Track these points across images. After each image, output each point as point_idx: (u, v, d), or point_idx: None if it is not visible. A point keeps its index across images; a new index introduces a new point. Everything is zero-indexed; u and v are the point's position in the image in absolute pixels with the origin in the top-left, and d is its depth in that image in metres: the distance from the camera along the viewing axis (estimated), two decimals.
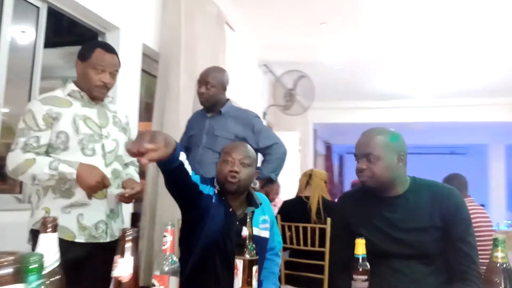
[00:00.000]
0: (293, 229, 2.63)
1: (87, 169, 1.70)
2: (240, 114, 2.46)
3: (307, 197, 2.71)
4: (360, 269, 1.30)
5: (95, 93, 1.85)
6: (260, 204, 1.86)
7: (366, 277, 1.29)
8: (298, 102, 5.71)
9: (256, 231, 1.78)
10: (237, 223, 1.79)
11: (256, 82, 5.73)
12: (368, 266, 1.31)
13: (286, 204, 2.86)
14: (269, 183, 2.37)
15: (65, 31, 3.07)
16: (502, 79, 6.33)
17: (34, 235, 1.72)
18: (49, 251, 0.77)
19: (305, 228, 2.61)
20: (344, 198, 1.87)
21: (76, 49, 1.95)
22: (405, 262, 1.61)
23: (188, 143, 2.57)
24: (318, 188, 2.70)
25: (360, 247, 1.33)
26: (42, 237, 0.77)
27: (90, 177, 1.68)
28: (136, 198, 1.88)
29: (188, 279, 1.75)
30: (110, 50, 1.87)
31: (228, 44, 4.34)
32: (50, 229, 0.77)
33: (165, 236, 1.16)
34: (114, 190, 1.82)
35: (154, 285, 1.11)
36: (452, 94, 7.01)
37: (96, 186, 1.69)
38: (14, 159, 1.69)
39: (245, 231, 1.41)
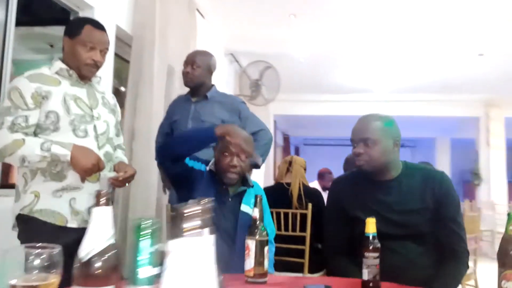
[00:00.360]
0: (274, 215, 2.66)
1: (82, 151, 1.63)
2: (226, 100, 2.44)
3: (288, 184, 2.74)
4: (371, 247, 1.35)
5: (84, 72, 1.77)
6: (252, 186, 1.92)
7: (377, 254, 1.34)
8: (263, 92, 5.74)
9: (247, 209, 1.84)
10: (230, 199, 1.82)
11: (222, 71, 5.68)
12: (379, 244, 1.36)
13: (267, 191, 2.87)
14: (254, 168, 2.37)
15: (34, 9, 2.90)
16: (450, 77, 6.71)
17: (22, 220, 1.63)
18: (104, 225, 0.73)
19: (286, 214, 2.64)
20: (338, 183, 1.92)
21: (32, 30, 1.85)
22: (400, 243, 1.68)
23: (170, 129, 2.51)
24: (299, 174, 2.74)
25: (371, 226, 1.38)
26: (96, 211, 0.73)
27: (86, 160, 1.61)
28: (129, 182, 1.82)
29: None
30: (100, 27, 1.79)
31: (198, 31, 4.28)
32: (104, 202, 0.73)
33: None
34: (107, 173, 1.75)
35: None
36: (406, 90, 7.33)
37: (91, 169, 1.62)
38: (0, 140, 1.58)
39: (255, 212, 1.41)
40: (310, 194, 2.69)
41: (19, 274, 0.76)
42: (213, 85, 2.49)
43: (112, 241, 0.72)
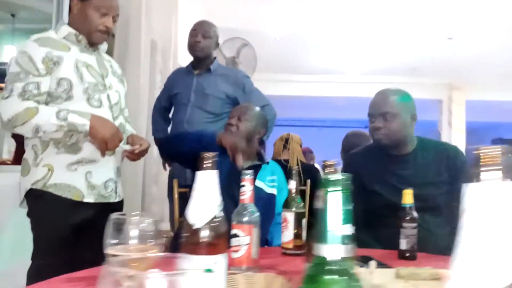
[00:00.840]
0: None
1: (101, 120, 1.54)
2: (230, 73, 2.38)
3: (286, 160, 2.74)
4: (409, 218, 1.37)
5: (95, 38, 1.67)
6: (267, 163, 1.91)
7: (415, 224, 1.36)
8: (240, 69, 5.66)
9: (262, 185, 1.84)
10: (237, 171, 1.80)
11: None
12: (416, 214, 1.38)
13: None
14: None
15: None
16: (418, 60, 6.89)
17: (34, 195, 1.52)
18: (212, 190, 0.69)
19: None
20: (354, 157, 1.93)
21: None
22: (418, 215, 1.73)
23: (168, 103, 2.43)
24: (296, 152, 2.74)
25: (408, 197, 1.40)
26: (201, 174, 0.69)
27: (105, 130, 1.52)
28: (143, 155, 1.74)
29: None
30: None
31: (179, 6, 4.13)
32: (209, 165, 0.69)
33: (243, 185, 1.11)
34: (122, 145, 1.67)
35: (238, 235, 1.06)
36: (376, 72, 7.46)
37: (111, 140, 1.54)
38: (10, 108, 1.46)
39: (292, 184, 1.40)
40: (308, 171, 2.70)
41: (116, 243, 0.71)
42: (215, 58, 2.42)
43: (221, 207, 0.68)
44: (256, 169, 1.86)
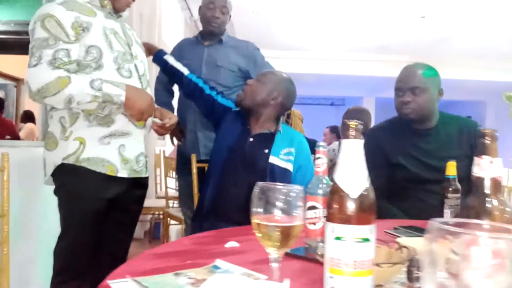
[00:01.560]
0: None
1: (136, 91, 1.46)
2: (241, 44, 2.31)
3: None
4: (452, 189, 1.41)
5: (119, 5, 1.57)
6: (279, 131, 1.82)
7: (458, 195, 1.41)
8: None
9: (275, 160, 1.76)
10: (250, 139, 1.77)
11: (175, 18, 5.36)
12: (459, 185, 1.43)
13: None
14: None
15: None
16: (390, 38, 7.05)
17: (65, 170, 1.43)
18: (360, 160, 0.67)
19: None
20: (377, 131, 1.96)
21: None
22: (440, 186, 1.79)
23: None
24: (298, 127, 2.74)
25: (451, 169, 1.44)
26: (347, 144, 0.67)
27: (142, 101, 1.45)
28: (171, 129, 1.68)
29: (211, 205, 1.74)
30: None
31: None
32: (355, 134, 0.67)
33: (319, 157, 1.10)
34: (151, 119, 1.60)
35: (316, 208, 1.05)
36: (349, 49, 7.57)
37: (147, 111, 1.47)
38: (40, 77, 1.35)
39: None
40: (311, 145, 2.71)
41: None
42: (225, 29, 2.34)
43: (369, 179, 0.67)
44: (268, 139, 1.79)
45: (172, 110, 2.38)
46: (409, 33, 6.77)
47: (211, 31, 2.26)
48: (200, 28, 5.35)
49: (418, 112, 1.75)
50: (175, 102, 2.41)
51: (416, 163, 1.79)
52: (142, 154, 1.57)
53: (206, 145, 2.18)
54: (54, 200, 1.49)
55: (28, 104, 6.23)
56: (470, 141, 1.80)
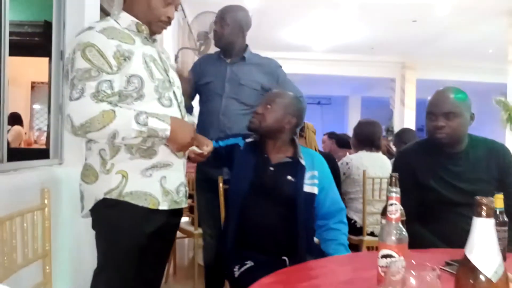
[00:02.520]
0: None
1: (180, 124, 1.41)
2: (264, 62, 2.27)
3: None
4: (499, 221, 1.42)
5: (155, 28, 1.52)
6: (301, 158, 1.81)
7: (506, 228, 1.42)
8: (214, 45, 5.46)
9: (310, 189, 1.78)
10: (271, 168, 1.76)
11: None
12: (506, 218, 1.44)
13: None
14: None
15: None
16: (379, 40, 7.12)
17: (107, 205, 1.38)
18: (493, 239, 0.66)
19: None
20: (407, 153, 1.96)
21: None
22: (470, 209, 1.79)
23: (195, 91, 2.29)
24: (312, 140, 2.73)
25: (499, 201, 1.44)
26: (480, 222, 0.66)
27: (185, 134, 1.41)
28: (207, 157, 1.64)
29: (239, 235, 1.74)
30: None
31: None
32: (488, 212, 0.66)
33: (392, 204, 1.09)
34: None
35: (391, 256, 1.04)
36: (340, 50, 7.60)
37: (191, 144, 1.43)
38: (84, 111, 1.28)
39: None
40: (327, 160, 2.70)
41: None
42: (247, 45, 2.30)
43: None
44: (290, 166, 1.79)
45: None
46: (400, 36, 6.85)
47: (216, 46, 2.23)
48: (193, 29, 5.27)
49: (452, 137, 1.76)
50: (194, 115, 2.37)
51: (446, 186, 1.81)
52: (182, 184, 1.52)
53: None
54: (88, 233, 1.44)
55: (14, 106, 6.02)
56: (499, 164, 1.83)
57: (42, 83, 6.70)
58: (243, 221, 1.72)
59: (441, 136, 1.77)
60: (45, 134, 6.90)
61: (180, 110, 1.52)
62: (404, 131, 3.45)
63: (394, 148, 3.52)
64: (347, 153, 3.87)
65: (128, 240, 1.39)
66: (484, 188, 1.82)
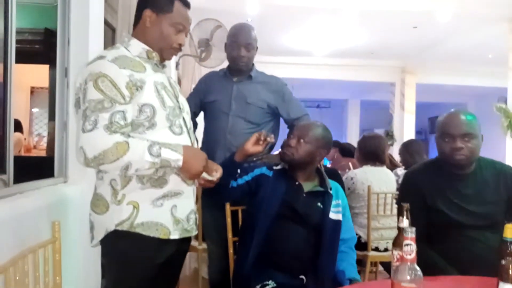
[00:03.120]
0: None
1: (193, 153, 1.41)
2: (270, 80, 2.27)
3: None
4: (509, 251, 1.42)
5: (166, 55, 1.52)
6: (330, 187, 1.91)
7: None
8: (215, 53, 5.45)
9: (330, 215, 1.86)
10: (304, 195, 1.79)
11: None
12: None
13: None
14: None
15: None
16: (379, 45, 7.12)
17: (118, 236, 1.37)
18: None
19: None
20: (414, 174, 1.96)
21: None
22: (479, 232, 1.81)
23: (199, 108, 2.28)
24: None
25: (509, 231, 1.44)
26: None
27: (198, 163, 1.40)
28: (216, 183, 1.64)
29: (260, 258, 1.77)
30: (188, 4, 1.52)
31: None
32: None
33: (408, 244, 1.09)
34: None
35: None
36: (340, 54, 7.60)
37: (202, 172, 1.43)
38: (97, 143, 1.27)
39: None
40: (331, 175, 2.70)
41: None
42: (253, 64, 2.30)
43: None
44: (320, 195, 1.88)
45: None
46: (400, 41, 6.85)
47: (239, 70, 2.21)
48: (194, 36, 5.25)
49: (469, 158, 1.77)
50: (199, 133, 2.36)
51: (454, 208, 1.81)
52: (193, 211, 1.52)
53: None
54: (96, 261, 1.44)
55: (14, 112, 5.98)
56: (507, 185, 1.83)
57: (42, 88, 6.68)
58: (269, 242, 1.78)
59: (460, 157, 1.77)
60: (44, 139, 6.88)
61: (190, 137, 1.52)
62: (412, 143, 3.41)
63: (398, 159, 3.51)
64: (349, 163, 3.87)
65: (140, 271, 1.39)
66: (493, 210, 1.82)
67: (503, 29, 5.44)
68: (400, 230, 1.39)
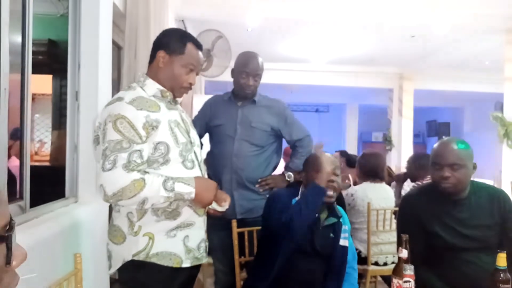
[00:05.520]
0: None
1: (204, 185, 1.50)
2: (272, 104, 2.35)
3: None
4: (502, 279, 1.51)
5: (178, 94, 1.61)
6: (341, 216, 1.98)
7: (508, 285, 1.51)
8: (215, 63, 5.53)
9: (340, 242, 1.95)
10: (320, 228, 1.87)
11: None
12: (509, 275, 1.53)
13: None
14: (300, 174, 2.38)
15: None
16: (377, 52, 7.20)
17: (134, 266, 1.46)
18: None
19: None
20: (411, 199, 2.04)
21: None
22: (474, 255, 1.90)
23: (204, 131, 2.37)
24: None
25: (502, 260, 1.53)
26: None
27: (209, 194, 1.50)
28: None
29: (274, 283, 1.82)
30: (200, 46, 1.61)
31: None
32: None
33: (407, 281, 1.17)
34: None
35: None
36: (338, 61, 7.67)
37: (213, 201, 1.52)
38: (116, 181, 1.36)
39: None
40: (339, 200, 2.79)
41: None
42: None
43: None
44: (333, 224, 1.95)
45: None
46: (398, 50, 6.93)
47: (244, 96, 2.30)
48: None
49: (457, 186, 1.85)
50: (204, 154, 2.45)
51: (451, 232, 1.89)
52: (203, 240, 1.60)
53: (242, 205, 2.23)
54: None
55: (16, 119, 6.05)
56: (500, 209, 1.91)
57: (43, 94, 6.74)
58: (285, 269, 1.84)
59: (446, 185, 1.86)
60: (45, 145, 6.94)
61: (201, 169, 1.60)
62: (421, 157, 3.26)
63: (402, 171, 3.54)
64: (349, 175, 3.96)
65: None
66: (487, 233, 1.91)
67: (499, 41, 5.53)
68: (400, 259, 1.48)
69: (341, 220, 1.95)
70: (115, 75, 3.05)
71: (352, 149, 10.62)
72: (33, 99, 7.22)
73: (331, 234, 1.92)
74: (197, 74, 1.61)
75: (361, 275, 2.79)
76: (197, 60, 1.58)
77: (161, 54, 1.54)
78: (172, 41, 1.55)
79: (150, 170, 1.44)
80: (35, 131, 7.43)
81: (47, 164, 4.86)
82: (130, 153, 1.38)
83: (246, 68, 2.27)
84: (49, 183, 2.39)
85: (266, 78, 8.36)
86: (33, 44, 4.85)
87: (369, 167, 2.92)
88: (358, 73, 8.01)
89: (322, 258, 1.90)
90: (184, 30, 1.72)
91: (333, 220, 1.94)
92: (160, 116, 1.48)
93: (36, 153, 6.85)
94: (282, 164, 2.51)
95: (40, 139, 7.18)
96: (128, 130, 1.39)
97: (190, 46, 1.55)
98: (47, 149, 6.53)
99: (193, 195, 1.44)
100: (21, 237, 1.52)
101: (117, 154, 1.37)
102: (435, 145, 1.95)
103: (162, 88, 1.55)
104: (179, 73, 1.54)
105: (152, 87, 1.54)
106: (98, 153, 1.43)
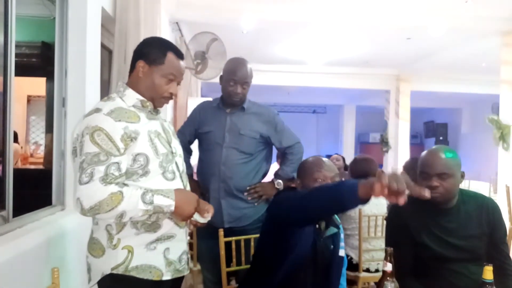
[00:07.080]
0: None
1: (184, 197, 1.47)
2: (262, 111, 2.32)
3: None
4: None
5: (158, 103, 1.57)
6: (340, 227, 1.93)
7: None
8: (210, 65, 5.50)
9: (339, 252, 1.90)
10: (322, 239, 1.83)
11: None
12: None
13: None
14: (289, 181, 2.35)
15: None
16: (374, 54, 7.19)
17: (113, 280, 1.43)
18: None
19: None
20: (399, 209, 2.01)
21: None
22: (463, 265, 1.87)
23: (194, 137, 2.34)
24: None
25: (488, 273, 1.51)
26: None
27: (189, 206, 1.47)
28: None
29: None
30: (181, 55, 1.58)
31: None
32: None
33: None
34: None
35: None
36: (335, 63, 7.66)
37: (193, 213, 1.49)
38: (93, 195, 1.33)
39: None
40: None
41: None
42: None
43: None
44: (333, 235, 1.90)
45: (191, 169, 2.39)
46: (394, 51, 6.92)
47: (232, 104, 2.27)
48: (190, 49, 5.30)
49: (445, 196, 1.83)
50: (194, 160, 2.42)
51: (439, 242, 1.87)
52: (185, 252, 1.58)
53: (230, 213, 2.20)
54: None
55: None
56: (489, 219, 1.89)
57: (38, 96, 6.71)
58: (284, 279, 1.79)
59: (435, 195, 1.83)
60: (40, 147, 6.91)
61: (182, 180, 1.58)
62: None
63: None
64: (343, 179, 3.93)
65: None
66: (475, 244, 1.88)
67: (496, 43, 5.51)
68: (384, 273, 1.46)
69: (340, 231, 1.92)
70: (107, 78, 3.02)
71: (349, 148, 10.64)
72: (28, 101, 7.16)
73: (332, 246, 1.87)
74: (178, 84, 1.58)
75: (353, 282, 2.77)
76: (178, 69, 1.55)
77: (140, 64, 1.51)
78: (152, 51, 1.52)
79: (129, 182, 1.42)
80: (31, 133, 7.41)
81: (41, 167, 4.84)
82: (108, 166, 1.35)
83: (234, 76, 2.23)
84: (42, 186, 2.36)
85: (263, 80, 8.41)
86: (27, 46, 4.78)
87: (360, 172, 2.89)
88: (355, 74, 7.99)
89: (320, 268, 1.84)
90: (165, 39, 1.68)
91: (333, 230, 1.88)
92: (140, 127, 1.45)
93: (31, 155, 6.83)
94: (272, 171, 2.47)
95: (35, 141, 7.15)
96: (105, 142, 1.36)
97: (170, 56, 1.52)
98: (42, 151, 6.49)
99: (172, 208, 1.42)
100: (2, 250, 1.52)
101: (94, 167, 1.34)
102: (423, 154, 1.93)
103: (142, 98, 1.52)
104: (159, 83, 1.51)
105: (132, 97, 1.51)
106: (76, 166, 1.40)
